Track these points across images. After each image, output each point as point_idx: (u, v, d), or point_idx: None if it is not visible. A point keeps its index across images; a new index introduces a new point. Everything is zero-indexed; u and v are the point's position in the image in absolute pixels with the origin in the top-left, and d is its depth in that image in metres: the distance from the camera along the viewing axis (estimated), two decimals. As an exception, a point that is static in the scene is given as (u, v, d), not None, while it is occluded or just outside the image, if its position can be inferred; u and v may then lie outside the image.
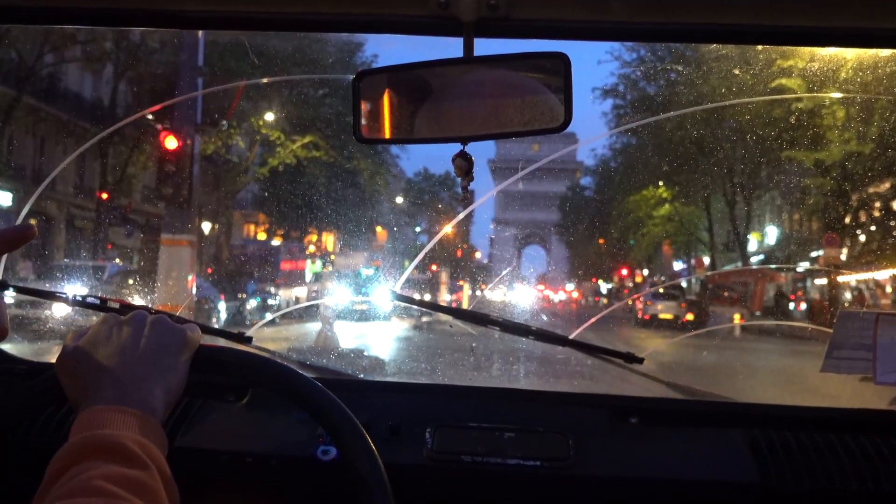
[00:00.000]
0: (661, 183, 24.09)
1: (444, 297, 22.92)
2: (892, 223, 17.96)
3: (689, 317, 19.34)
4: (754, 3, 1.13)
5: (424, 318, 12.23)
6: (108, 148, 18.72)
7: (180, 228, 10.38)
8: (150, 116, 11.76)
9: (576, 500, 1.39)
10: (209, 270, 20.25)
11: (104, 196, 20.27)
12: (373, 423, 1.40)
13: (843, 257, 17.98)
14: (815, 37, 1.22)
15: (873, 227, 18.21)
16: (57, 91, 20.61)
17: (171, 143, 10.03)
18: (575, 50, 1.09)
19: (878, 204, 18.04)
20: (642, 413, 1.51)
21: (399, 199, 29.96)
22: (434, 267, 22.99)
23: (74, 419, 0.82)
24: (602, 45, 30.51)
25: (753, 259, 25.81)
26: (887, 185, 17.04)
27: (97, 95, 22.03)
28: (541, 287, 29.66)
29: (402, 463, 1.35)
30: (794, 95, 13.55)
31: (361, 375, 1.90)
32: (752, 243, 25.93)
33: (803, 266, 22.92)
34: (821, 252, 19.14)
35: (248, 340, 1.62)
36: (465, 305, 18.45)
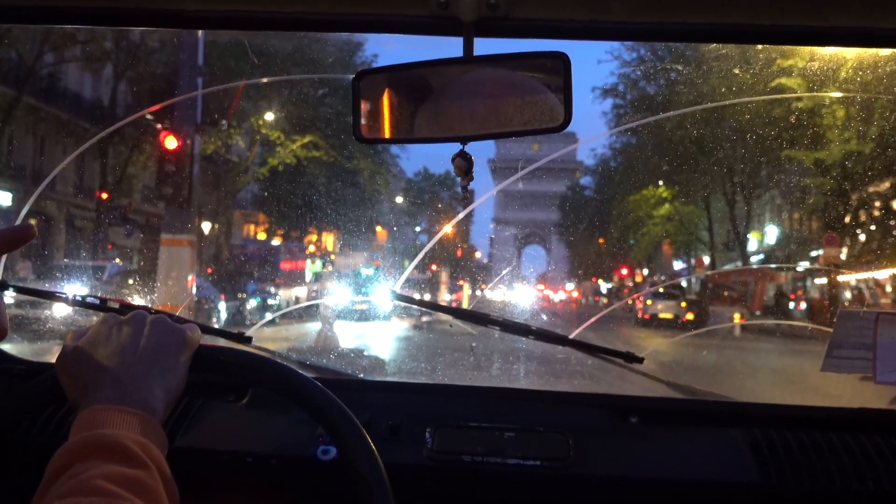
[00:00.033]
0: (661, 182, 24.10)
1: (444, 297, 22.92)
2: (892, 222, 17.95)
3: (689, 316, 19.33)
4: (754, 3, 1.13)
5: (424, 318, 12.23)
6: (108, 148, 18.73)
7: (180, 228, 10.38)
8: (149, 116, 11.75)
9: (576, 500, 1.39)
10: (209, 270, 20.26)
11: (104, 196, 20.28)
12: (373, 422, 1.40)
13: (843, 257, 17.97)
14: (815, 36, 1.22)
15: (873, 227, 18.21)
16: (57, 91, 20.61)
17: (171, 142, 10.03)
18: (575, 49, 1.09)
19: (878, 203, 18.03)
20: (642, 413, 1.51)
21: (399, 199, 29.98)
22: (434, 267, 22.99)
23: (74, 419, 0.82)
24: (602, 45, 30.63)
25: (753, 258, 25.82)
26: (887, 184, 17.03)
27: (97, 95, 22.04)
28: (541, 287, 29.66)
29: (402, 463, 1.35)
30: (794, 95, 13.55)
31: (361, 375, 1.90)
32: (752, 243, 25.94)
33: (803, 265, 22.92)
34: (821, 251, 19.14)
35: (248, 340, 1.62)
36: (465, 305, 18.45)
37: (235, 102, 14.77)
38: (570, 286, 37.34)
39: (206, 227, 20.20)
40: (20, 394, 0.98)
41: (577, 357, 3.16)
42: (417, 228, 30.65)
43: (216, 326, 2.03)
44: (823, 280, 21.33)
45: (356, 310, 11.47)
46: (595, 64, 21.52)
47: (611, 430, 1.48)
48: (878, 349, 1.51)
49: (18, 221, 2.33)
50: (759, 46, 7.37)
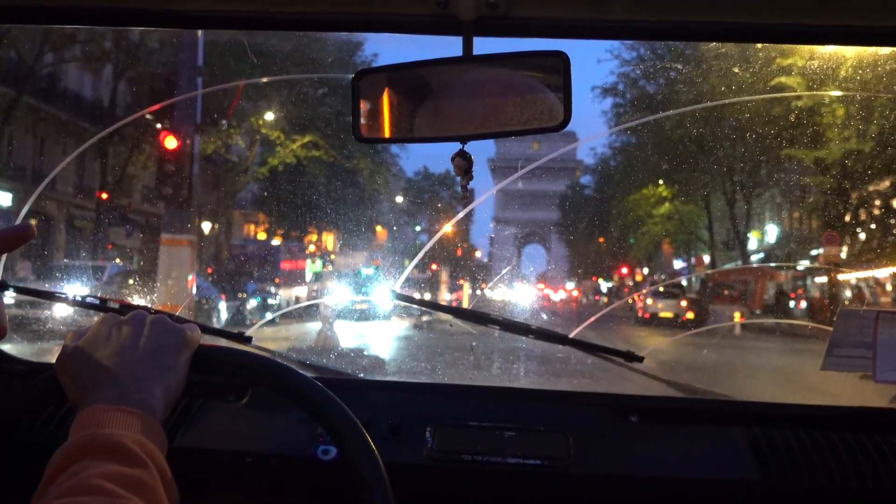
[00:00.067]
0: (660, 181, 24.09)
1: (444, 297, 22.90)
2: (892, 221, 17.95)
3: (690, 315, 19.32)
4: (754, 2, 1.13)
5: (424, 318, 12.23)
6: (107, 148, 18.73)
7: (180, 228, 10.38)
8: (149, 116, 11.76)
9: (576, 499, 1.39)
10: (209, 270, 20.25)
11: (104, 196, 20.28)
12: (373, 422, 1.40)
13: (843, 255, 17.97)
14: (815, 35, 1.22)
15: (873, 225, 18.20)
16: (57, 91, 20.62)
17: (170, 142, 10.02)
18: (574, 48, 1.09)
19: (878, 202, 18.02)
20: (642, 412, 1.51)
21: (399, 199, 29.97)
22: (434, 266, 22.98)
23: (74, 419, 0.82)
24: (602, 44, 30.62)
25: (753, 257, 25.82)
26: (887, 182, 17.02)
27: (97, 95, 22.04)
28: (541, 286, 29.63)
29: (402, 462, 1.35)
30: (793, 94, 13.53)
31: (361, 375, 1.90)
32: (752, 241, 25.93)
33: (803, 264, 22.89)
34: (821, 250, 19.13)
35: (248, 340, 1.62)
36: (465, 304, 18.44)
37: (235, 102, 14.79)
38: (570, 285, 37.32)
39: (206, 227, 20.21)
40: (20, 394, 0.98)
41: (578, 356, 3.16)
42: (417, 228, 30.66)
43: (216, 326, 2.03)
44: (823, 279, 21.32)
45: (356, 309, 11.47)
46: (595, 63, 21.54)
47: (611, 430, 1.48)
48: (878, 348, 1.51)
49: (18, 221, 2.33)
50: (759, 45, 7.37)
